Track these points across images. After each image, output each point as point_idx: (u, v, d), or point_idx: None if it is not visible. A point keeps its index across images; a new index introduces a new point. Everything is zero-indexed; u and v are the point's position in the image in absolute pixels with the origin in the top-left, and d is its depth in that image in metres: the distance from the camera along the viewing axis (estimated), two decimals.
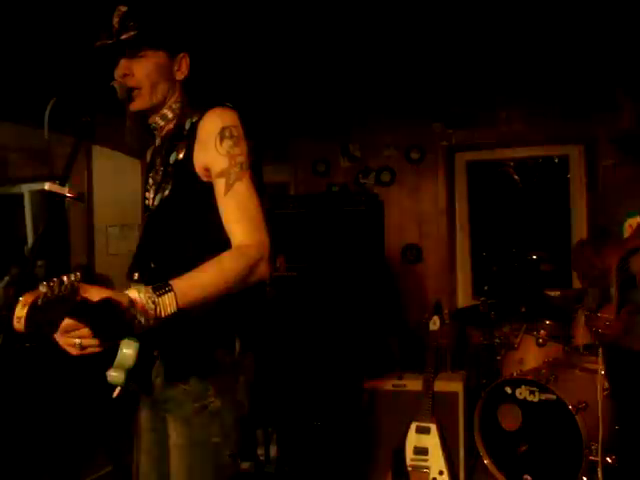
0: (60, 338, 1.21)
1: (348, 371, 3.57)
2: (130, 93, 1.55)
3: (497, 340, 3.75)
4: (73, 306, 1.09)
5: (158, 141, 1.69)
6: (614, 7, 3.32)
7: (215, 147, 1.49)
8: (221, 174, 1.49)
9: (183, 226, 1.56)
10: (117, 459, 3.60)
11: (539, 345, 3.48)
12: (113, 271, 4.77)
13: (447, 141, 4.85)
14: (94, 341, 1.19)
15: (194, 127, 1.56)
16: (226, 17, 3.23)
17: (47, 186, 1.24)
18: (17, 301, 1.01)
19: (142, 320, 1.25)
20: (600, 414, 2.66)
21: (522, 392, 3.06)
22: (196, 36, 1.69)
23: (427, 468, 3.09)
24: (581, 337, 3.25)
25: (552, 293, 4.17)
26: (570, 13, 3.42)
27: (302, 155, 5.21)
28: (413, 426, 3.14)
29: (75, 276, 1.05)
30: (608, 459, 2.80)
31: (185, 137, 1.57)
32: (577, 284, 4.51)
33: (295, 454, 3.53)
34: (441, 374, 3.39)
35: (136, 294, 1.26)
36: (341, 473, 3.39)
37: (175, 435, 1.55)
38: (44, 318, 1.04)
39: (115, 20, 1.51)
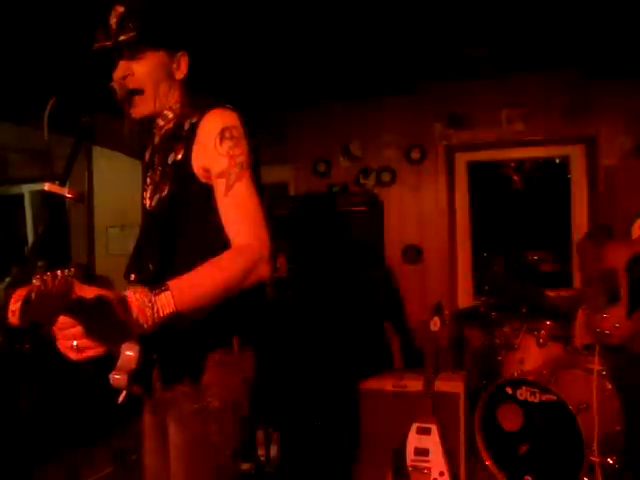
0: (59, 342, 1.21)
1: (348, 372, 3.56)
2: (131, 97, 1.54)
3: (497, 340, 3.75)
4: (68, 303, 1.09)
5: (157, 140, 1.68)
6: (614, 7, 3.32)
7: (215, 148, 1.49)
8: (221, 174, 1.49)
9: (181, 227, 1.56)
10: (118, 460, 3.60)
11: (540, 345, 3.47)
12: (113, 272, 4.76)
13: (448, 141, 4.84)
14: (90, 342, 1.18)
15: (193, 128, 1.55)
16: (224, 14, 3.22)
17: (47, 187, 1.24)
18: (11, 295, 1.02)
19: (139, 320, 1.24)
20: (595, 414, 2.65)
21: (523, 392, 3.06)
22: (194, 34, 1.68)
23: (428, 469, 3.09)
24: (577, 337, 3.25)
25: (553, 293, 4.17)
26: (570, 12, 3.41)
27: (302, 155, 5.20)
28: (414, 427, 3.14)
29: (69, 271, 1.05)
30: (609, 460, 2.80)
31: (184, 138, 1.57)
32: (578, 284, 4.51)
33: (296, 455, 3.53)
34: (442, 374, 3.39)
35: (132, 294, 1.26)
36: (341, 473, 3.38)
37: (175, 435, 1.55)
38: (38, 312, 1.04)
39: (113, 21, 1.51)
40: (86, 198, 4.95)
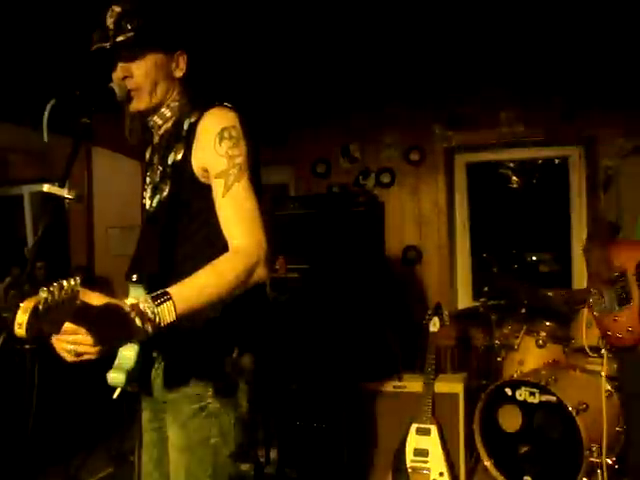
0: (56, 343, 1.21)
1: (348, 372, 3.56)
2: (129, 93, 1.55)
3: (497, 341, 3.75)
4: (74, 310, 1.09)
5: (156, 139, 1.68)
6: (613, 9, 3.32)
7: (214, 148, 1.49)
8: (219, 175, 1.48)
9: (181, 227, 1.55)
10: (118, 461, 3.60)
11: (539, 346, 3.48)
12: (113, 273, 4.77)
13: (447, 142, 4.84)
14: (89, 348, 1.19)
15: (193, 127, 1.55)
16: (224, 15, 3.22)
17: (46, 188, 1.24)
18: (18, 307, 1.01)
19: (142, 328, 1.24)
20: (604, 415, 2.65)
21: (522, 393, 3.06)
22: (193, 34, 1.68)
23: (427, 469, 3.09)
24: (582, 338, 3.24)
25: (552, 294, 4.17)
26: (569, 15, 3.42)
27: (302, 156, 5.20)
28: (413, 427, 3.14)
29: (75, 280, 1.05)
30: (608, 460, 2.80)
31: (183, 138, 1.57)
32: (577, 285, 4.51)
33: (295, 456, 3.53)
34: (441, 375, 3.39)
35: (137, 304, 1.26)
36: (341, 474, 3.38)
37: (174, 436, 1.55)
38: (45, 323, 1.04)
39: (110, 21, 1.50)
40: (86, 199, 4.96)
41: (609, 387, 2.97)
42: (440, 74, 4.44)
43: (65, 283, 1.03)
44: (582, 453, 2.81)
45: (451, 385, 3.27)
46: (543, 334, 3.48)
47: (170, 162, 1.58)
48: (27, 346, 2.95)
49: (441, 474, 3.07)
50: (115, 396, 1.39)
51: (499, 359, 3.69)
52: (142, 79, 1.55)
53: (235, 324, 1.55)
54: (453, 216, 4.92)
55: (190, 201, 1.54)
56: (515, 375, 3.29)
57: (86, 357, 1.21)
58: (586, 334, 3.20)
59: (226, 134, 1.50)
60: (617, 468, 2.85)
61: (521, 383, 3.09)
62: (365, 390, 3.39)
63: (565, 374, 3.18)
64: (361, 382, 3.43)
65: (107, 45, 1.50)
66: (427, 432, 3.12)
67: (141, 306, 1.25)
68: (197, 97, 1.63)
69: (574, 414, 2.85)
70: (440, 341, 3.32)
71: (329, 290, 3.83)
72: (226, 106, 1.57)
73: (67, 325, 1.14)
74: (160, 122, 1.64)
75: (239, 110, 1.57)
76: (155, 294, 1.29)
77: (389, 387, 3.38)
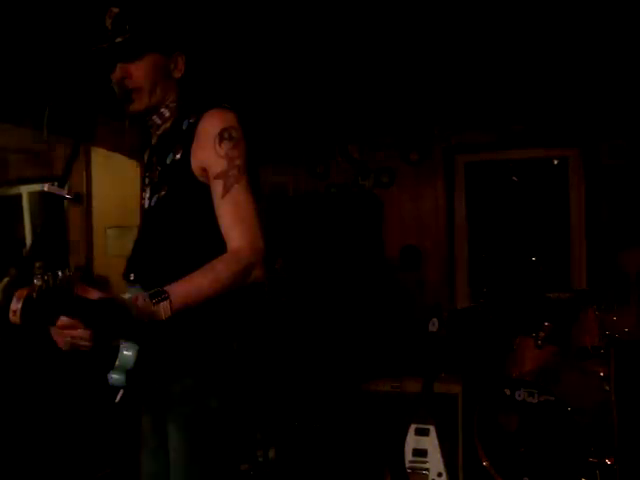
0: (53, 332, 1.22)
1: (347, 373, 3.57)
2: (129, 94, 1.55)
3: (496, 342, 3.75)
4: (70, 304, 1.10)
5: (155, 140, 1.69)
6: (613, 10, 3.33)
7: (214, 148, 1.49)
8: (219, 176, 1.49)
9: (179, 227, 1.56)
10: (116, 462, 3.60)
11: (538, 347, 3.48)
12: (112, 273, 4.76)
13: (446, 143, 4.85)
14: (86, 341, 1.20)
15: (192, 128, 1.55)
16: (223, 15, 3.22)
17: (46, 187, 1.24)
18: (12, 295, 1.02)
19: (138, 323, 1.26)
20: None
21: (521, 394, 3.06)
22: (191, 34, 1.69)
23: (426, 470, 3.09)
24: (581, 339, 3.25)
25: (551, 295, 4.18)
26: (570, 15, 3.42)
27: (301, 156, 5.21)
28: (412, 428, 3.14)
29: (71, 272, 1.06)
30: (607, 460, 2.81)
31: (182, 138, 1.57)
32: (575, 285, 4.52)
33: (294, 456, 3.53)
34: (440, 376, 3.40)
35: (134, 300, 1.27)
36: (340, 475, 3.38)
37: (173, 436, 1.55)
38: (39, 311, 1.05)
39: (108, 22, 1.51)
40: (84, 199, 4.96)
41: (608, 387, 2.98)
42: (440, 74, 4.44)
43: (60, 273, 1.04)
44: (581, 453, 2.81)
45: (450, 385, 3.27)
46: (542, 334, 3.48)
47: (169, 162, 1.58)
48: (27, 346, 2.95)
49: (440, 474, 3.07)
50: (118, 399, 1.39)
51: (498, 359, 3.69)
52: (141, 79, 1.55)
53: (234, 325, 1.55)
54: (452, 216, 4.92)
55: (188, 201, 1.55)
56: (514, 375, 3.29)
57: (80, 348, 1.22)
58: (585, 335, 3.20)
59: (226, 135, 1.50)
60: (616, 468, 2.86)
61: (520, 383, 3.09)
62: (364, 390, 3.39)
63: (564, 375, 3.19)
64: (360, 382, 3.43)
65: (105, 46, 1.51)
66: (426, 432, 3.12)
67: (138, 302, 1.26)
68: (196, 98, 1.63)
69: (573, 414, 2.85)
70: (439, 341, 3.31)
71: (328, 290, 3.83)
72: (225, 107, 1.57)
73: (64, 319, 1.15)
74: (159, 122, 1.65)
75: (238, 111, 1.57)
76: (152, 292, 1.31)
77: (388, 387, 3.38)
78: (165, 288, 1.32)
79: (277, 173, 5.11)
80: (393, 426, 3.24)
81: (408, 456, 3.12)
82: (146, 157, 1.75)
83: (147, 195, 1.64)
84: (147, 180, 1.67)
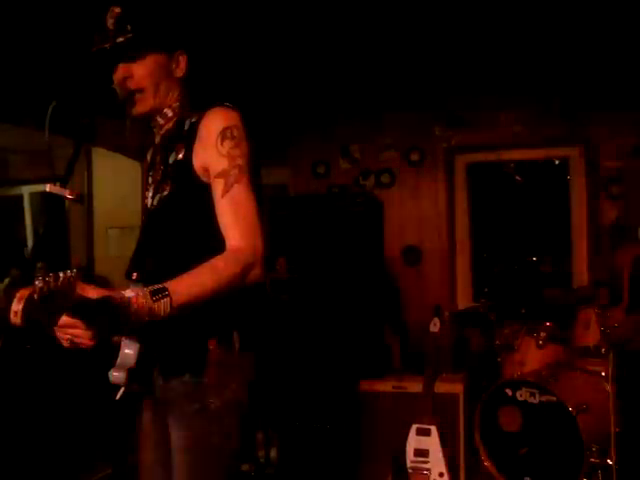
0: (56, 329, 1.22)
1: (348, 373, 3.56)
2: (132, 96, 1.55)
3: (497, 342, 3.75)
4: (71, 304, 1.10)
5: (158, 139, 1.68)
6: (613, 10, 3.32)
7: (216, 147, 1.49)
8: (220, 175, 1.49)
9: (181, 226, 1.56)
10: (117, 461, 3.59)
11: (539, 347, 3.47)
12: (113, 273, 4.76)
13: (447, 143, 4.85)
14: (87, 340, 1.20)
15: (194, 127, 1.55)
16: (224, 15, 3.22)
17: (48, 188, 1.24)
18: (14, 296, 1.02)
19: (136, 321, 1.26)
20: (604, 417, 2.65)
21: (522, 394, 3.05)
22: (193, 34, 1.69)
23: (427, 470, 3.08)
24: (582, 338, 3.25)
25: (552, 294, 4.17)
26: (569, 15, 3.42)
27: (302, 157, 5.21)
28: (413, 428, 3.14)
29: (72, 272, 1.06)
30: (608, 461, 2.80)
31: (185, 137, 1.57)
32: (577, 285, 4.52)
33: (295, 456, 3.52)
34: (441, 376, 3.39)
35: (134, 298, 1.27)
36: (341, 475, 3.38)
37: (176, 435, 1.55)
38: (40, 312, 1.05)
39: (109, 22, 1.50)
40: (86, 199, 4.96)
41: (609, 387, 2.97)
42: (440, 75, 4.44)
43: (61, 274, 1.04)
44: (582, 453, 2.81)
45: (451, 385, 3.27)
46: (543, 334, 3.48)
47: (171, 161, 1.58)
48: (28, 346, 2.95)
49: (441, 474, 3.07)
50: (118, 397, 1.39)
51: (499, 359, 3.69)
52: (143, 79, 1.55)
53: (234, 323, 1.55)
54: (453, 217, 4.92)
55: (191, 200, 1.55)
56: (515, 375, 3.29)
57: (82, 346, 1.23)
58: (586, 334, 3.20)
59: (228, 134, 1.50)
60: (617, 469, 2.85)
61: (521, 383, 3.09)
62: (365, 390, 3.39)
63: (565, 374, 3.18)
64: (361, 382, 3.43)
65: (107, 46, 1.51)
66: (427, 432, 3.12)
67: (138, 300, 1.26)
68: (198, 97, 1.63)
69: (574, 414, 2.85)
70: (440, 341, 3.31)
71: (329, 291, 3.83)
72: (228, 106, 1.57)
73: (66, 319, 1.15)
74: (162, 122, 1.65)
75: (240, 110, 1.57)
76: (153, 289, 1.30)
77: (389, 387, 3.38)
78: (165, 285, 1.32)
79: (278, 174, 5.11)
80: (394, 426, 3.24)
81: (409, 456, 3.12)
82: (149, 157, 1.75)
83: (150, 194, 1.64)
84: (150, 180, 1.67)
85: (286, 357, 3.53)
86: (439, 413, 3.16)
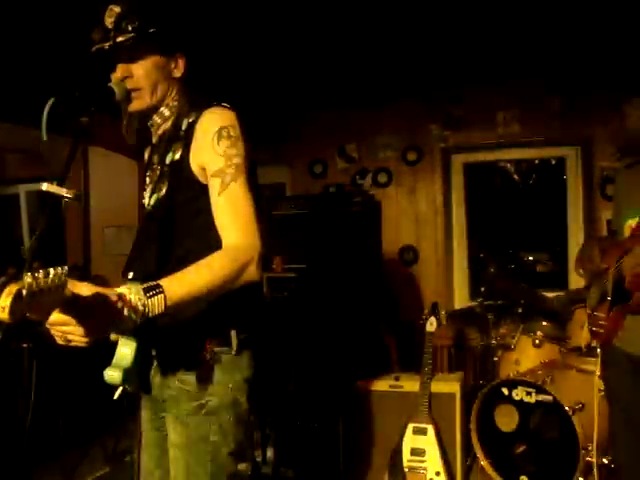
0: (49, 327, 1.21)
1: (345, 372, 3.57)
2: (129, 94, 1.55)
3: (494, 341, 3.76)
4: (63, 301, 1.09)
5: (155, 139, 1.69)
6: (611, 9, 3.33)
7: (212, 146, 1.50)
8: (216, 174, 1.49)
9: (178, 226, 1.56)
10: (114, 460, 3.59)
11: (536, 346, 3.48)
12: (109, 272, 4.75)
13: (444, 142, 4.85)
14: (80, 338, 1.19)
15: (191, 127, 1.56)
16: (220, 15, 3.22)
17: (45, 186, 1.24)
18: (1, 291, 1.01)
19: (130, 318, 1.26)
20: (595, 415, 2.66)
21: (519, 393, 3.06)
22: (191, 34, 1.68)
23: (424, 469, 3.09)
24: (578, 338, 3.25)
25: (549, 294, 4.19)
26: (568, 15, 3.42)
27: (299, 156, 5.21)
28: (410, 427, 3.14)
29: (62, 268, 1.05)
30: (604, 460, 2.81)
31: (182, 137, 1.57)
32: (574, 285, 4.52)
33: (292, 455, 3.53)
34: (438, 375, 3.40)
35: (126, 292, 1.26)
36: (338, 474, 3.39)
37: (173, 434, 1.55)
38: (29, 308, 1.04)
39: (108, 21, 1.50)
40: (82, 198, 4.95)
41: (604, 386, 2.98)
42: (437, 74, 4.44)
43: (52, 270, 1.03)
44: (578, 452, 2.82)
45: (448, 385, 3.27)
46: (540, 334, 3.49)
47: (168, 162, 1.59)
48: (24, 345, 2.95)
49: (437, 474, 3.08)
50: (116, 397, 1.39)
51: (496, 359, 3.70)
52: (142, 79, 1.55)
53: (232, 321, 1.55)
54: (450, 216, 4.93)
55: (188, 200, 1.55)
56: (512, 375, 3.30)
57: (76, 344, 1.22)
58: (581, 334, 3.21)
59: (224, 133, 1.51)
60: (613, 467, 2.86)
61: (517, 383, 3.09)
62: (362, 390, 3.39)
63: (561, 374, 3.19)
64: (358, 381, 3.43)
65: (107, 45, 1.51)
66: (424, 432, 3.12)
67: (131, 296, 1.26)
68: (195, 97, 1.63)
69: (570, 414, 2.86)
70: (437, 341, 3.32)
71: (326, 289, 3.83)
72: (224, 106, 1.57)
73: (58, 316, 1.15)
74: (159, 122, 1.65)
75: (237, 110, 1.57)
76: (147, 286, 1.30)
77: (386, 387, 3.38)
78: (159, 282, 1.31)
79: (275, 173, 5.11)
80: (391, 425, 3.24)
81: (406, 455, 3.13)
82: (147, 156, 1.75)
83: (148, 194, 1.64)
84: (148, 180, 1.67)
85: (283, 356, 3.53)
86: (436, 412, 3.16)
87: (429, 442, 3.11)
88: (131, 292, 1.27)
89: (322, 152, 5.14)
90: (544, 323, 3.58)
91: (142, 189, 1.70)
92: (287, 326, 3.60)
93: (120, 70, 1.54)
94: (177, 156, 1.56)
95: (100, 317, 1.19)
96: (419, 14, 3.41)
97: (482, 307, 3.97)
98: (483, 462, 3.14)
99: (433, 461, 3.09)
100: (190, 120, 1.57)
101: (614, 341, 2.29)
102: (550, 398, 2.96)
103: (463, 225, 4.96)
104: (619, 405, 2.37)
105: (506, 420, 3.10)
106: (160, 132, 1.66)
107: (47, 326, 1.20)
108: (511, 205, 5.08)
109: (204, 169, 1.52)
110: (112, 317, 1.22)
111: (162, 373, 1.54)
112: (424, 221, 4.88)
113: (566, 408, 2.88)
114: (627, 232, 2.30)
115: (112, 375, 1.36)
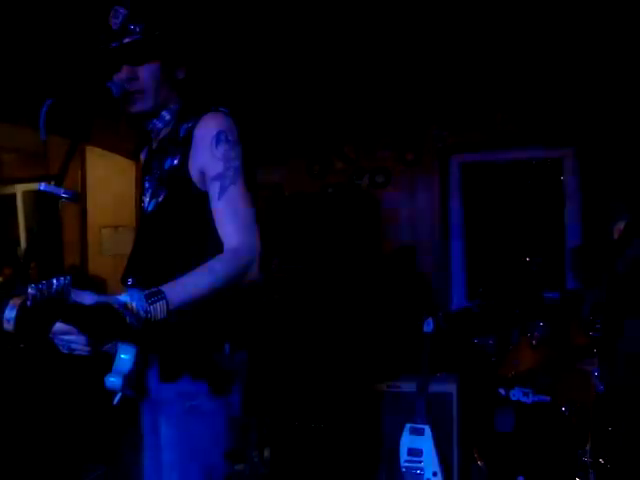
0: (52, 334, 1.22)
1: (343, 372, 3.57)
2: (131, 95, 1.54)
3: (491, 342, 3.76)
4: (65, 310, 1.09)
5: (155, 144, 1.69)
6: (609, 10, 3.34)
7: (211, 151, 1.51)
8: (216, 178, 1.50)
9: (177, 232, 1.57)
10: (111, 461, 3.59)
11: (533, 347, 3.48)
12: (106, 272, 4.76)
13: (442, 143, 4.85)
14: (82, 347, 1.20)
15: (189, 132, 1.56)
16: (222, 20, 3.23)
17: (42, 186, 1.24)
18: (6, 303, 1.02)
19: (132, 325, 1.26)
20: (592, 415, 2.67)
21: (516, 394, 3.06)
22: (194, 39, 1.69)
23: (421, 469, 3.09)
24: (575, 338, 3.26)
25: (546, 295, 4.18)
26: (564, 16, 3.43)
27: (297, 156, 5.20)
28: (407, 427, 3.14)
29: (65, 279, 1.05)
30: (601, 460, 2.82)
31: (180, 142, 1.58)
32: (570, 286, 4.53)
33: (289, 456, 3.53)
34: (435, 375, 3.40)
35: (128, 299, 1.26)
36: (334, 474, 3.39)
37: (167, 435, 1.55)
38: (34, 320, 1.04)
39: (114, 21, 1.50)
40: (79, 199, 4.95)
41: (601, 387, 2.99)
42: (436, 75, 4.45)
43: (54, 281, 1.03)
44: (576, 453, 2.82)
45: (445, 385, 3.28)
46: (537, 335, 3.49)
47: (167, 167, 1.59)
48: (21, 346, 2.94)
49: (434, 474, 3.08)
50: (115, 402, 1.39)
51: (493, 359, 3.70)
52: (148, 82, 1.55)
53: (228, 322, 1.55)
54: (448, 216, 4.93)
55: (187, 205, 1.56)
56: (509, 375, 3.30)
57: (78, 352, 1.22)
58: (576, 334, 3.21)
59: (223, 137, 1.52)
60: (609, 468, 2.86)
61: (515, 383, 3.10)
62: (360, 390, 3.40)
63: (559, 374, 3.19)
64: (356, 382, 3.43)
65: (114, 45, 1.50)
66: (421, 432, 3.12)
67: (133, 304, 1.26)
68: (194, 101, 1.64)
69: (568, 414, 2.86)
70: (434, 341, 3.32)
71: (324, 290, 3.83)
72: (222, 110, 1.58)
73: (60, 325, 1.15)
74: (160, 125, 1.65)
75: (234, 113, 1.58)
76: (149, 292, 1.30)
77: (383, 387, 3.38)
78: (161, 288, 1.32)
79: (273, 173, 5.11)
80: (388, 426, 3.24)
81: (403, 456, 3.13)
82: (146, 159, 1.75)
83: (147, 199, 1.64)
84: (147, 184, 1.67)
85: (279, 357, 3.53)
86: (433, 413, 3.16)
87: (426, 442, 3.11)
88: (133, 299, 1.27)
89: (320, 152, 5.14)
90: (542, 324, 3.57)
91: (140, 190, 1.70)
92: (285, 326, 3.60)
93: (126, 72, 1.53)
94: (176, 161, 1.57)
95: (102, 326, 1.20)
96: (419, 16, 3.41)
97: (480, 308, 3.97)
98: (480, 463, 3.14)
99: (430, 461, 3.09)
100: (188, 125, 1.58)
101: (614, 342, 2.30)
102: (547, 399, 2.96)
103: (460, 225, 4.96)
104: (619, 405, 2.37)
105: (503, 421, 3.10)
106: (160, 137, 1.67)
107: (50, 335, 1.21)
108: (509, 205, 5.08)
109: (203, 174, 1.53)
110: (114, 326, 1.22)
111: (159, 376, 1.54)
112: (422, 222, 4.89)
113: (563, 409, 2.88)
114: (616, 234, 2.31)
115: (113, 381, 1.36)
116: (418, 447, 3.11)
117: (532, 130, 4.61)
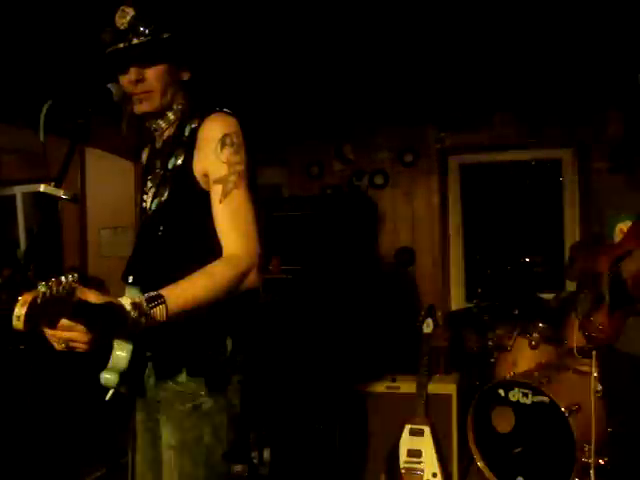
0: (47, 332, 1.22)
1: (342, 373, 3.57)
2: (134, 96, 1.55)
3: (490, 342, 3.76)
4: (73, 306, 1.10)
5: (159, 144, 1.69)
6: (608, 11, 3.34)
7: (215, 154, 1.51)
8: (218, 181, 1.50)
9: (179, 231, 1.57)
10: (111, 461, 3.59)
11: (532, 347, 3.49)
12: (106, 273, 4.75)
13: (440, 144, 4.86)
14: (83, 344, 1.20)
15: (194, 133, 1.57)
16: (225, 23, 3.23)
17: (42, 187, 1.24)
18: (16, 300, 1.02)
19: (132, 327, 1.27)
20: (593, 416, 2.67)
21: (515, 394, 3.06)
22: (200, 41, 1.69)
23: (420, 470, 3.09)
24: (574, 339, 3.26)
25: (545, 295, 4.19)
26: (562, 16, 3.43)
27: (296, 157, 5.21)
28: (406, 428, 3.14)
29: (73, 277, 1.06)
30: (600, 461, 2.82)
31: (184, 143, 1.58)
32: (570, 287, 4.54)
33: (288, 457, 3.53)
34: (434, 376, 3.40)
35: (129, 303, 1.27)
36: (334, 475, 3.38)
37: (167, 435, 1.55)
38: (42, 317, 1.06)
39: (120, 22, 1.50)
40: (79, 200, 4.95)
41: (600, 388, 2.99)
42: (434, 76, 4.45)
43: (63, 279, 1.05)
44: (575, 454, 2.82)
45: (444, 386, 3.28)
46: (536, 335, 3.50)
47: (171, 167, 1.59)
48: (21, 346, 2.94)
49: (434, 475, 3.08)
50: (107, 398, 1.40)
51: (492, 360, 3.70)
52: (154, 83, 1.55)
53: (227, 323, 1.56)
54: (446, 217, 4.93)
55: (189, 206, 1.56)
56: (508, 376, 3.30)
57: (76, 350, 1.23)
58: (578, 335, 3.21)
59: (228, 140, 1.52)
60: (609, 469, 2.87)
61: (514, 384, 3.09)
62: (358, 391, 3.40)
63: (558, 375, 3.19)
64: (355, 383, 3.43)
65: (122, 46, 1.50)
66: (420, 433, 3.12)
67: (133, 307, 1.27)
68: (199, 101, 1.64)
69: (566, 415, 2.86)
70: (433, 342, 3.32)
71: (322, 291, 3.83)
72: (226, 112, 1.58)
73: (64, 321, 1.15)
74: (164, 126, 1.65)
75: (238, 114, 1.58)
76: (149, 296, 1.31)
77: (382, 388, 3.38)
78: (161, 292, 1.33)
79: (272, 174, 5.11)
80: (388, 426, 3.24)
81: (403, 456, 3.13)
82: (148, 160, 1.75)
83: (149, 199, 1.64)
84: (149, 184, 1.67)
85: (278, 358, 3.53)
86: (432, 413, 3.16)
87: (426, 443, 3.11)
88: (134, 303, 1.28)
89: (319, 153, 5.15)
90: (540, 324, 3.58)
91: (139, 191, 1.70)
92: (283, 327, 3.60)
93: (133, 72, 1.53)
94: (179, 161, 1.57)
95: (106, 325, 1.21)
96: (416, 17, 3.41)
97: (478, 308, 3.98)
98: (479, 463, 3.14)
99: (430, 462, 3.09)
100: (193, 126, 1.58)
101: (615, 344, 2.30)
102: (546, 399, 2.96)
103: (459, 226, 4.97)
104: (619, 405, 2.38)
105: (503, 421, 3.10)
106: (164, 137, 1.67)
107: (46, 332, 1.21)
108: (507, 206, 5.09)
109: (206, 175, 1.53)
110: (117, 326, 1.24)
111: (157, 375, 1.55)
112: (421, 222, 4.89)
113: (562, 409, 2.88)
114: (619, 236, 2.31)
115: (109, 378, 1.37)
116: (418, 448, 3.12)
117: (531, 131, 4.61)
